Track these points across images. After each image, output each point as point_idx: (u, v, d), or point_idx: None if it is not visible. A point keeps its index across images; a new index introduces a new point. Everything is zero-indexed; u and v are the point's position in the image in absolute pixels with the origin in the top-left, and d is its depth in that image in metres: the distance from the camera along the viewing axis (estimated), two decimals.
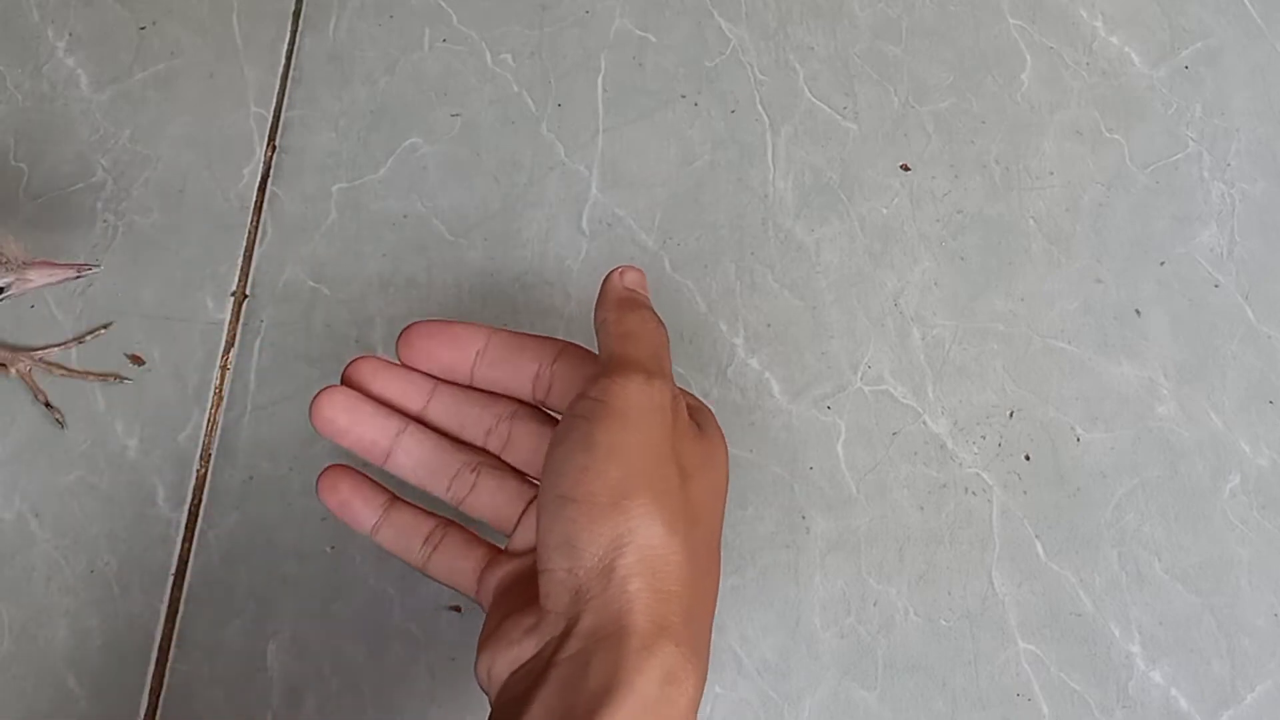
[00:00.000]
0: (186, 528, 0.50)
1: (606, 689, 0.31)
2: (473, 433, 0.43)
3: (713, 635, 0.48)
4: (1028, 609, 0.49)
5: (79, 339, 0.52)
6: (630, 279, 0.41)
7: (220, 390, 0.52)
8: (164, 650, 0.47)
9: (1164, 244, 0.56)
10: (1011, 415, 0.52)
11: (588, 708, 0.31)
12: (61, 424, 0.50)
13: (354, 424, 0.41)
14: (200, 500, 0.50)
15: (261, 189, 0.57)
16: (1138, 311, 0.55)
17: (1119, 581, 0.49)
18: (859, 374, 0.53)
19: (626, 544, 0.33)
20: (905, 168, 0.58)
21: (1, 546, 0.49)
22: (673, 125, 0.59)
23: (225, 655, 0.47)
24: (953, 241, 0.56)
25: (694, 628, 0.35)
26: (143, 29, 0.61)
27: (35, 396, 0.50)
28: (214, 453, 0.51)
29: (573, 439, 0.35)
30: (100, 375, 0.51)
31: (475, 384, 0.42)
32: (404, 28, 0.61)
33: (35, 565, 0.49)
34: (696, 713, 0.34)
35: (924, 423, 0.52)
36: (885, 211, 0.57)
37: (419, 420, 0.43)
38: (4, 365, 0.51)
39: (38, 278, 0.43)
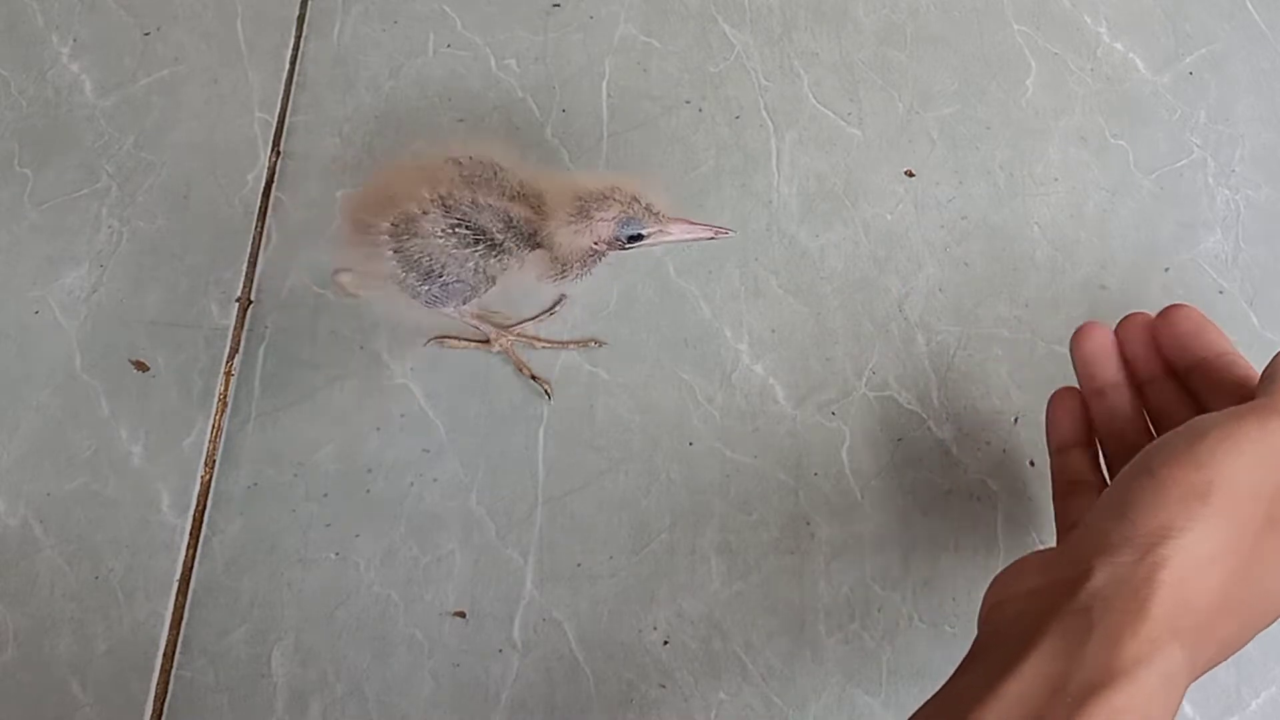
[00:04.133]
0: (191, 534, 0.49)
1: (1109, 672, 0.31)
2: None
3: (718, 643, 0.48)
4: None
5: (549, 311, 0.54)
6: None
7: (224, 396, 0.52)
8: (168, 656, 0.47)
9: (1169, 250, 0.56)
10: (1016, 421, 0.52)
11: (1086, 685, 0.31)
12: (549, 395, 0.52)
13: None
14: (204, 507, 0.50)
15: (266, 194, 0.57)
16: None
17: None
18: (863, 380, 0.53)
19: (1174, 537, 0.33)
20: (910, 174, 0.58)
21: (5, 553, 0.49)
22: (677, 131, 0.59)
23: (230, 661, 0.47)
24: (957, 247, 0.56)
25: (1198, 653, 0.34)
26: (147, 34, 0.61)
27: (519, 370, 0.52)
28: (218, 459, 0.51)
29: (1191, 428, 0.36)
30: (579, 343, 0.53)
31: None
32: (408, 33, 0.62)
33: (39, 572, 0.49)
34: None
35: (929, 428, 0.52)
36: (889, 217, 0.57)
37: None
38: (487, 341, 0.52)
39: (677, 232, 0.45)
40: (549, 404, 0.52)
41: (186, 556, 0.49)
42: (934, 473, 0.51)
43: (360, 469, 0.51)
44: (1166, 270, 0.56)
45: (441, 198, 0.44)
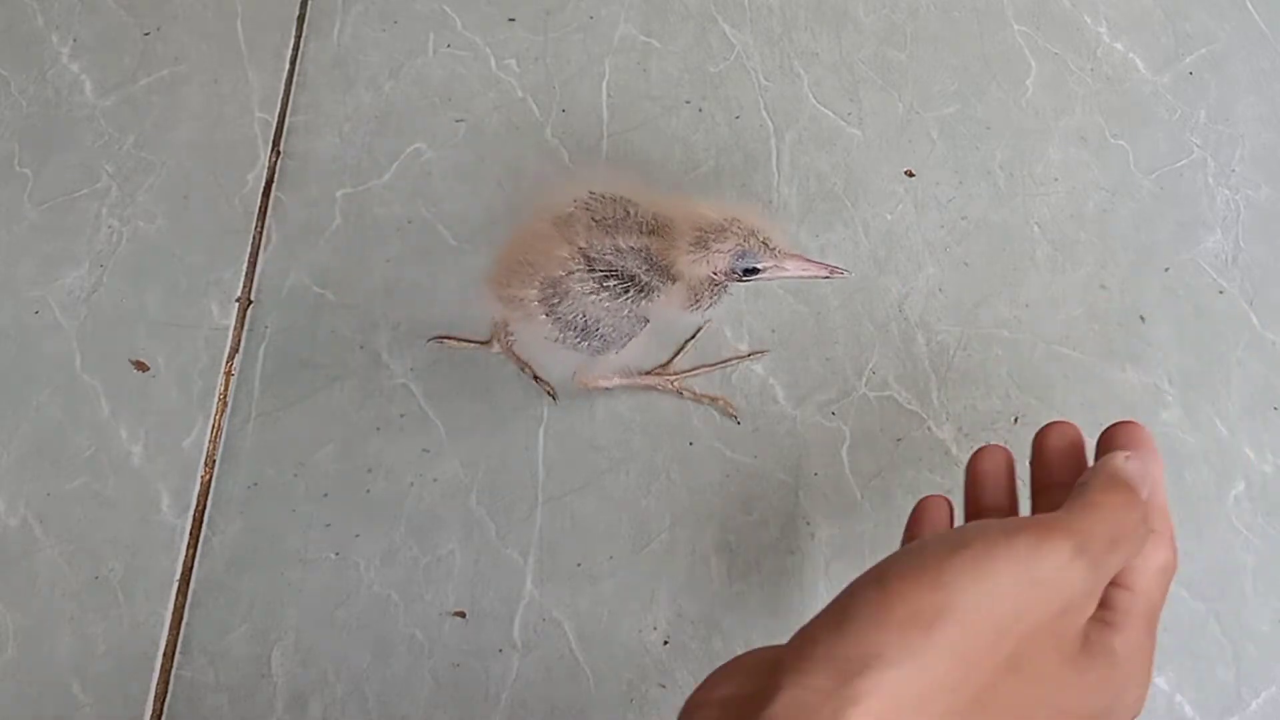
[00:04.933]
0: (191, 534, 0.49)
1: None
2: None
3: (718, 643, 0.48)
4: None
5: (691, 339, 0.54)
6: (1133, 469, 0.34)
7: (224, 396, 0.52)
8: (168, 657, 0.47)
9: (1168, 250, 0.56)
10: (1016, 421, 0.52)
11: None
12: (553, 396, 0.52)
13: None
14: (204, 506, 0.50)
15: (266, 194, 0.57)
16: (1142, 318, 0.55)
17: None
18: (863, 380, 0.53)
19: (879, 668, 0.27)
20: (910, 174, 0.58)
21: (5, 553, 0.49)
22: (677, 131, 0.59)
23: (230, 661, 0.47)
24: (957, 247, 0.56)
25: None
26: (147, 34, 0.61)
27: (522, 371, 0.52)
28: (218, 459, 0.51)
29: (951, 536, 0.30)
30: (736, 359, 0.53)
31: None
32: (408, 33, 0.62)
33: (39, 571, 0.49)
34: None
35: (928, 429, 0.52)
36: (889, 217, 0.57)
37: None
38: (487, 342, 0.53)
39: (792, 268, 0.45)
40: (549, 404, 0.52)
41: (186, 556, 0.49)
42: (934, 472, 0.51)
43: (360, 469, 0.51)
44: (1166, 270, 0.56)
45: (582, 250, 0.43)
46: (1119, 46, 0.62)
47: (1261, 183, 0.58)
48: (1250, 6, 0.63)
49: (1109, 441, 0.38)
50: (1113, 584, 0.33)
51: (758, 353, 0.53)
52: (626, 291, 0.44)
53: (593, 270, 0.43)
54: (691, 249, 0.43)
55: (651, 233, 0.44)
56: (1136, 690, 0.32)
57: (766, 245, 0.43)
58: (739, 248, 0.43)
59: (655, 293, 0.44)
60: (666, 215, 0.44)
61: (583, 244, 0.43)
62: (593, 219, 0.44)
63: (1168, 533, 0.35)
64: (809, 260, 0.45)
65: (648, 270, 0.44)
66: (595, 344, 0.45)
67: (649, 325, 0.46)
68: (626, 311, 0.44)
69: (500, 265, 0.45)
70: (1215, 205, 0.58)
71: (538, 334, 0.45)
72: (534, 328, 0.45)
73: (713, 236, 0.43)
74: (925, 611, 0.28)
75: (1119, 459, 0.34)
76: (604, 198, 0.44)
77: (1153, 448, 0.37)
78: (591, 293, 0.43)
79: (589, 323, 0.44)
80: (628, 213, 0.44)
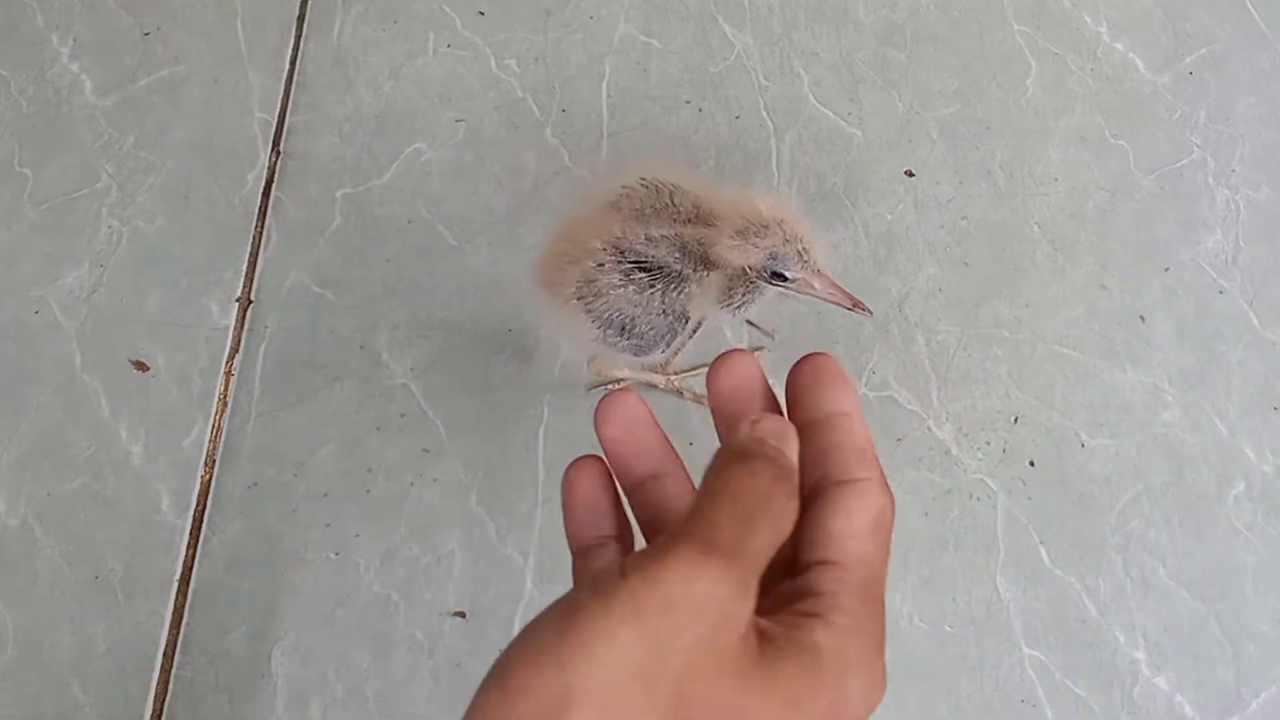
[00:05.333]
0: (191, 534, 0.49)
1: None
2: None
3: None
4: (1032, 615, 0.49)
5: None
6: (766, 428, 0.28)
7: (224, 396, 0.52)
8: (168, 656, 0.47)
9: (1169, 250, 0.56)
10: (1016, 421, 0.52)
11: None
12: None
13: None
14: (204, 506, 0.50)
15: (266, 194, 0.57)
16: (1142, 318, 0.55)
17: (1124, 587, 0.49)
18: (864, 380, 0.53)
19: None
20: (910, 174, 0.58)
21: (5, 553, 0.49)
22: (677, 131, 0.59)
23: (230, 661, 0.47)
24: (957, 247, 0.56)
25: None
26: (147, 35, 0.61)
27: (695, 401, 0.54)
28: (218, 459, 0.51)
29: (565, 610, 0.26)
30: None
31: None
32: (408, 33, 0.62)
33: (39, 571, 0.49)
34: None
35: (928, 428, 0.52)
36: (889, 217, 0.57)
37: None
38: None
39: (819, 287, 0.44)
40: (549, 404, 0.52)
41: (186, 556, 0.49)
42: (934, 472, 0.51)
43: (360, 469, 0.51)
44: (1166, 270, 0.56)
45: (615, 240, 0.43)
46: (1119, 46, 0.62)
47: (1261, 183, 0.58)
48: (1250, 6, 0.63)
49: (792, 387, 0.31)
50: (816, 562, 0.28)
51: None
52: (654, 285, 0.43)
53: (621, 262, 0.43)
54: (733, 237, 0.42)
55: (690, 221, 0.43)
56: (860, 680, 0.26)
57: (802, 256, 0.42)
58: (775, 249, 0.42)
59: (688, 283, 0.43)
60: (713, 204, 0.44)
61: (618, 233, 0.43)
62: (633, 207, 0.43)
63: (875, 477, 0.29)
64: (838, 286, 0.44)
65: (680, 259, 0.43)
66: (636, 342, 0.45)
67: (698, 328, 0.45)
68: (659, 304, 0.43)
69: (547, 253, 0.45)
70: (1215, 205, 0.58)
71: (582, 329, 0.44)
72: (576, 319, 0.44)
73: (755, 230, 0.42)
74: (550, 702, 0.24)
75: (741, 430, 0.29)
76: (650, 184, 0.44)
77: (841, 377, 0.31)
78: (619, 286, 0.43)
79: (625, 321, 0.43)
80: (670, 200, 0.43)
